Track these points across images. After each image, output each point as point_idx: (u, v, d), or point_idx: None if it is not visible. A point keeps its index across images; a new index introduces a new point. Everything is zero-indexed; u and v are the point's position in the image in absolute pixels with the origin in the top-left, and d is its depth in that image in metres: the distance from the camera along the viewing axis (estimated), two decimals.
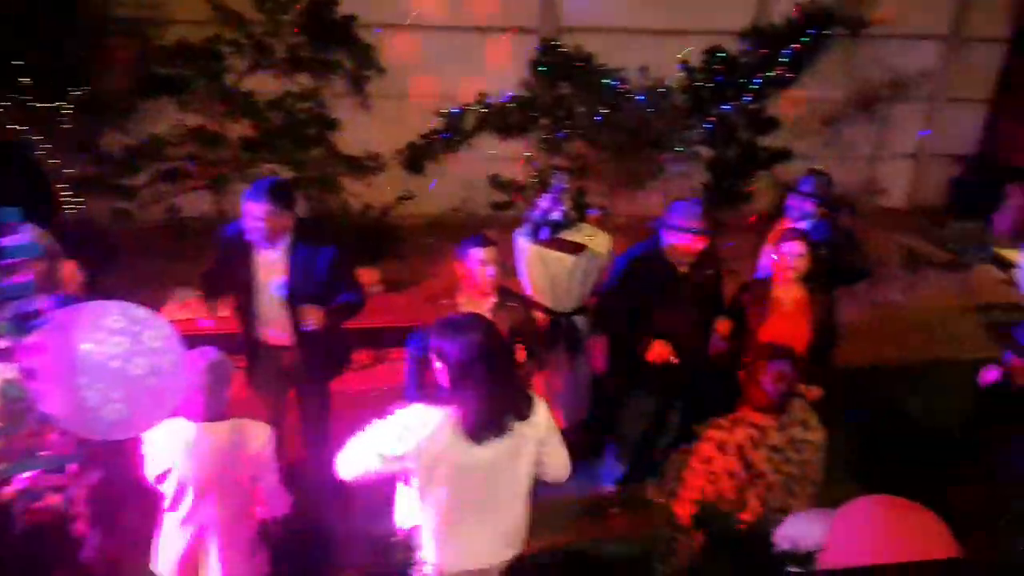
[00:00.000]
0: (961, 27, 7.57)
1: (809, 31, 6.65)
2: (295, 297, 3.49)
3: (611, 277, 4.15)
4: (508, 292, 3.65)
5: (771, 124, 7.01)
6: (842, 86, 7.13)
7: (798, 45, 6.63)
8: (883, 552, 1.49)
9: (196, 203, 6.75)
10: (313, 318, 3.45)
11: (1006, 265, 6.69)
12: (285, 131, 6.59)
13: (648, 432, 4.31)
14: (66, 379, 1.73)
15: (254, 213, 3.36)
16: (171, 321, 2.87)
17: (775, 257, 3.79)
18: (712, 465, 2.94)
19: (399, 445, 2.41)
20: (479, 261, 3.41)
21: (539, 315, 4.49)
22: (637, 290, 3.88)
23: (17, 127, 5.63)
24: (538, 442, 2.54)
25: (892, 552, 1.47)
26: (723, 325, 3.89)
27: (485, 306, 3.46)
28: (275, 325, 3.62)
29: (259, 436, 2.87)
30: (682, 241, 3.73)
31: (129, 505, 2.94)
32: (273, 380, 3.78)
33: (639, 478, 4.06)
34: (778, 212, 4.66)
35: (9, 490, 2.05)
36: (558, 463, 2.61)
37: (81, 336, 1.75)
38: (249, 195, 3.37)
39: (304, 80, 6.58)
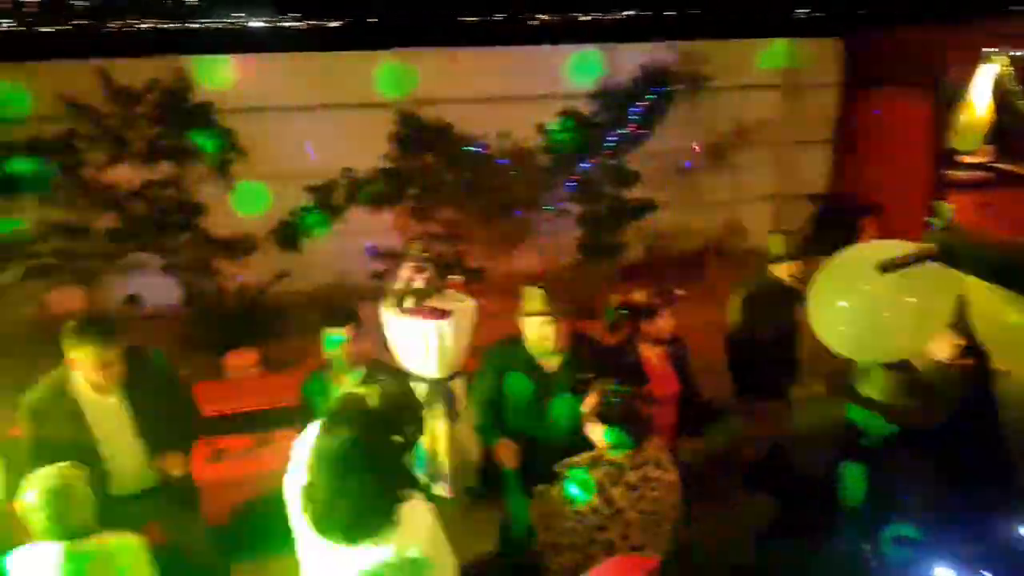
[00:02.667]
0: (794, 75, 8.29)
1: (654, 89, 7.17)
2: (151, 441, 3.29)
3: None
4: (378, 365, 3.75)
5: (632, 177, 7.45)
6: (691, 137, 7.67)
7: (645, 103, 7.14)
8: None
9: (66, 299, 6.62)
10: (176, 465, 3.32)
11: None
12: (150, 219, 6.65)
13: None
14: None
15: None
16: None
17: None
18: (576, 503, 3.00)
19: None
20: (336, 340, 3.53)
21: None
22: None
23: None
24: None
25: None
26: None
27: (352, 382, 3.54)
28: (131, 477, 3.34)
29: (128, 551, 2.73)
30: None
31: None
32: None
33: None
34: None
35: None
36: None
37: None
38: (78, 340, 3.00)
39: (166, 168, 6.67)
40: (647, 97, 7.16)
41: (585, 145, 7.15)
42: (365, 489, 2.35)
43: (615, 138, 7.21)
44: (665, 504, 3.10)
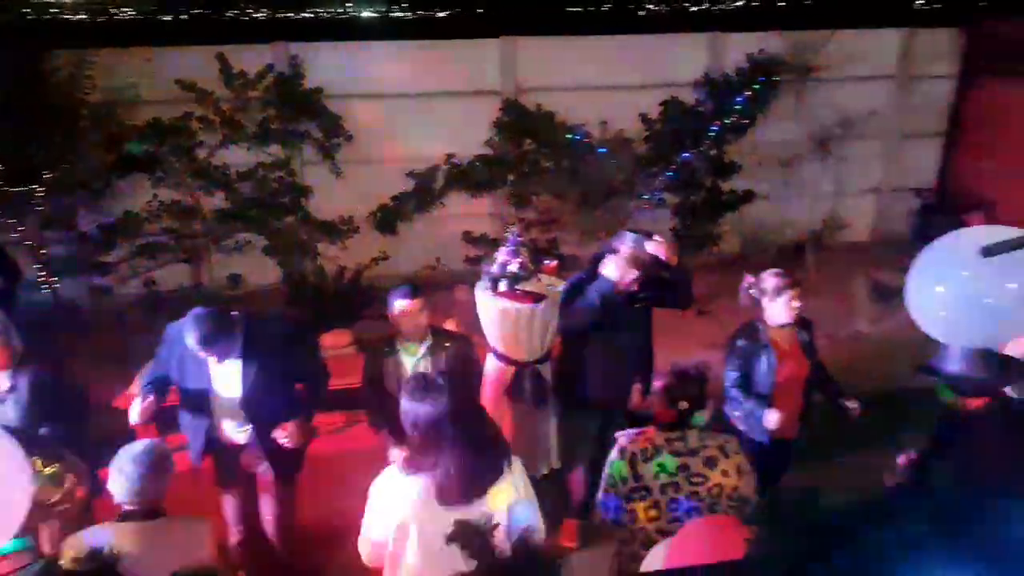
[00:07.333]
0: (908, 66, 8.32)
1: (760, 79, 7.35)
2: (255, 410, 3.68)
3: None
4: (441, 332, 4.11)
5: (732, 168, 7.68)
6: (796, 129, 7.82)
7: (750, 92, 7.33)
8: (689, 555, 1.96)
9: (174, 276, 7.35)
10: (291, 437, 3.66)
11: None
12: (258, 201, 7.26)
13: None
14: None
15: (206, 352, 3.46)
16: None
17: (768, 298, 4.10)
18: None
19: (380, 517, 2.57)
20: (404, 311, 3.87)
21: (503, 365, 4.90)
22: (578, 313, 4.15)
23: None
24: (511, 503, 2.62)
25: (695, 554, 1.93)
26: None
27: (420, 350, 3.93)
28: (232, 429, 3.79)
29: (197, 534, 2.75)
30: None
31: None
32: (235, 474, 3.93)
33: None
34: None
35: None
36: (531, 523, 2.65)
37: None
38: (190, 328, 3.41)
39: (275, 151, 7.28)
40: (753, 87, 7.33)
41: (686, 135, 7.37)
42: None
43: (717, 128, 7.40)
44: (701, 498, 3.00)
